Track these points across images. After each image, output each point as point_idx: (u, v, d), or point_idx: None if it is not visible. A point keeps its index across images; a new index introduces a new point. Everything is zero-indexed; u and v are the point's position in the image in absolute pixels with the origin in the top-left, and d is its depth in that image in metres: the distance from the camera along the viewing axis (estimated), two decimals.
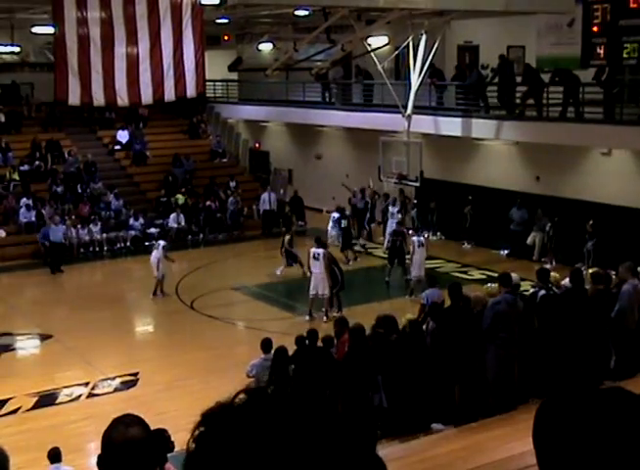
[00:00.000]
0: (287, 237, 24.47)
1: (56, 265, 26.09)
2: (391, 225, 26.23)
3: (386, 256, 24.77)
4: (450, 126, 26.46)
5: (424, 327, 13.30)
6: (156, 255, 22.85)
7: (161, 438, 7.88)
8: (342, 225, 26.49)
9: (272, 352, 13.20)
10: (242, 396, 1.28)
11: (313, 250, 20.49)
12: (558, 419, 1.45)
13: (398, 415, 12.25)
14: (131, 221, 29.75)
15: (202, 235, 30.48)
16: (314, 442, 1.21)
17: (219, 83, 37.78)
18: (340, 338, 13.25)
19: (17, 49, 32.64)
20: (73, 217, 29.11)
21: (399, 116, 25.95)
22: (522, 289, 14.45)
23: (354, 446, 1.24)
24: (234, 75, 37.74)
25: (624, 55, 21.91)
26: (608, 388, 1.48)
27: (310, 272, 20.50)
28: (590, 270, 14.67)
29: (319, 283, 20.13)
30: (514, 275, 13.78)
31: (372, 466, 1.25)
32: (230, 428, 1.23)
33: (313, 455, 1.19)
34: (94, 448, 12.17)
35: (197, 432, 1.27)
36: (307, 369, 12.58)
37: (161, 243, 23.14)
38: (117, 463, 3.11)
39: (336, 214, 27.27)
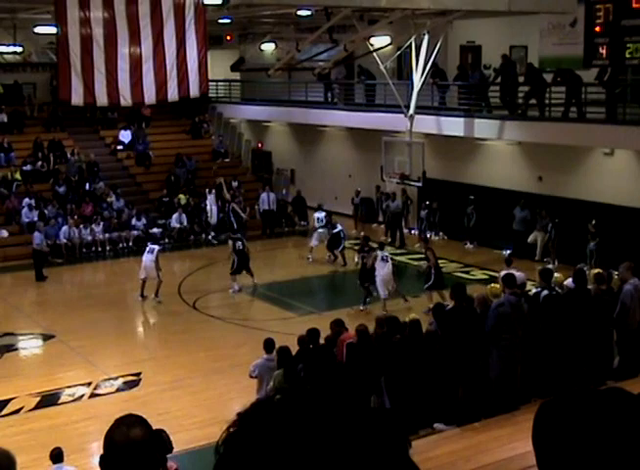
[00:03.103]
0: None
1: (38, 272, 25.28)
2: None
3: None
4: (453, 126, 26.46)
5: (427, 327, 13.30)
6: (151, 258, 22.60)
7: (159, 439, 7.88)
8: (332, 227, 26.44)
9: (275, 352, 13.20)
10: (278, 396, 1.29)
11: (380, 253, 21.00)
12: (557, 420, 1.45)
13: (401, 415, 12.25)
14: (133, 221, 29.75)
15: (204, 235, 30.49)
16: (348, 441, 1.21)
17: (222, 83, 37.82)
18: (338, 338, 13.24)
19: (19, 49, 32.63)
20: (76, 217, 29.13)
21: (402, 116, 25.96)
22: (526, 289, 14.44)
23: (390, 451, 1.24)
24: (236, 75, 37.73)
25: (627, 55, 21.85)
26: (607, 388, 1.48)
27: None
28: (593, 271, 14.65)
29: (389, 282, 20.68)
30: (520, 274, 13.78)
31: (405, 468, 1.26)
32: (265, 427, 1.24)
33: (347, 455, 1.20)
34: (96, 448, 12.17)
35: (230, 430, 1.28)
36: (312, 369, 12.58)
37: (156, 247, 22.97)
38: (120, 464, 3.12)
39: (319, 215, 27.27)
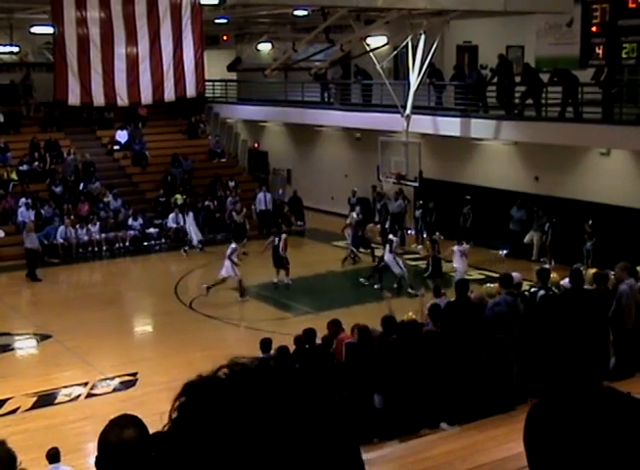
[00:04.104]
0: (283, 237, 24.08)
1: (31, 273, 25.24)
2: None
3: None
4: (449, 126, 26.46)
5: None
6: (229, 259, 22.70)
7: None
8: (359, 233, 26.36)
9: (271, 352, 13.20)
10: (225, 370, 1.30)
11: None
12: (548, 421, 1.45)
13: (398, 416, 12.26)
14: (130, 221, 29.73)
15: (200, 235, 30.44)
16: (292, 420, 1.22)
17: (218, 83, 37.77)
18: (335, 338, 13.23)
19: (15, 49, 32.61)
20: (72, 217, 29.11)
21: (398, 116, 25.96)
22: (522, 289, 14.45)
23: (335, 432, 1.25)
24: (233, 75, 37.78)
25: (623, 55, 21.87)
26: (598, 388, 1.48)
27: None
28: (592, 271, 14.66)
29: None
30: (516, 274, 13.79)
31: (350, 457, 1.26)
32: (210, 400, 1.25)
33: (289, 433, 1.20)
34: (92, 448, 12.14)
35: (177, 402, 1.29)
36: (308, 369, 12.58)
37: (232, 246, 23.05)
38: (114, 464, 3.12)
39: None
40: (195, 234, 29.14)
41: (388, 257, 22.90)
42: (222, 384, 1.27)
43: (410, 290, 22.09)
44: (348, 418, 1.30)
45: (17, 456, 5.02)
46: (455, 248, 22.64)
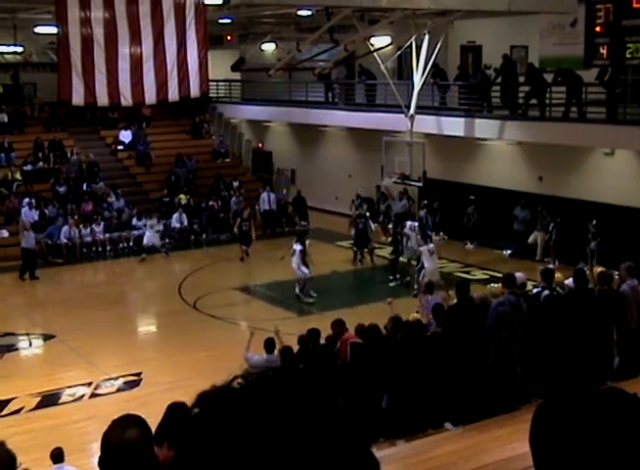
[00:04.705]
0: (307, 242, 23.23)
1: (30, 272, 25.26)
2: None
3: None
4: (453, 126, 26.45)
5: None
6: (295, 261, 22.56)
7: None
8: (360, 226, 26.22)
9: (275, 352, 13.20)
10: (239, 380, 1.30)
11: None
12: (554, 421, 1.45)
13: (403, 415, 12.26)
14: (134, 221, 29.73)
15: (204, 235, 30.44)
16: (307, 431, 1.22)
17: (222, 83, 37.81)
18: (339, 338, 13.23)
19: (19, 49, 32.63)
20: (76, 217, 29.12)
21: (402, 116, 25.94)
22: (526, 289, 14.44)
23: (348, 438, 1.24)
24: (237, 75, 37.76)
25: (627, 55, 21.84)
26: (604, 389, 1.48)
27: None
28: (597, 270, 14.65)
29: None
30: (520, 274, 13.78)
31: (365, 461, 1.26)
32: (224, 411, 1.25)
33: (304, 444, 1.20)
34: (96, 448, 12.11)
35: (191, 413, 1.29)
36: (312, 369, 12.58)
37: (297, 248, 22.85)
38: (116, 465, 3.13)
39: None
40: (148, 238, 28.31)
41: (423, 249, 22.14)
42: (236, 394, 1.27)
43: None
44: (358, 422, 1.29)
45: (16, 457, 5.02)
46: (423, 248, 21.96)
